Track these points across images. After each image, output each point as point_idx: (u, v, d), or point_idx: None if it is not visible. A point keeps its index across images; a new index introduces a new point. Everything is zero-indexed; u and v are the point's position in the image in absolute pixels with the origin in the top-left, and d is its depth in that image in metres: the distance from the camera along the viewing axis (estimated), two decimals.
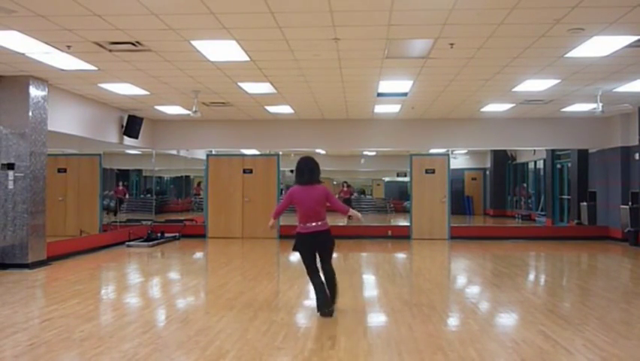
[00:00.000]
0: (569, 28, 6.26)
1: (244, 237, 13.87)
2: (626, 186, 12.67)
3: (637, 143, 11.98)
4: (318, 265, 5.88)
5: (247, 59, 7.64)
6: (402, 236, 13.81)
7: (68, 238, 11.19)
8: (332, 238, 5.90)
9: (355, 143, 14.36)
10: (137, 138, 12.65)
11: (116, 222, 13.66)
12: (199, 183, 18.52)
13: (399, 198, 24.08)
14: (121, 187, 16.13)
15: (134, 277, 8.77)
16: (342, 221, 15.62)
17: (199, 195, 17.72)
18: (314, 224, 5.73)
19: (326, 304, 5.67)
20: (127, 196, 16.98)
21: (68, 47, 7.08)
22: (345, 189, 20.71)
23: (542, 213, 17.77)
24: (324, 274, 5.85)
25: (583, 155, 14.62)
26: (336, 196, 20.97)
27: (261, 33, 6.48)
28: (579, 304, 6.63)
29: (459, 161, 21.07)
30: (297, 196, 5.77)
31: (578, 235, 13.70)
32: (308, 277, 5.87)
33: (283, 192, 13.84)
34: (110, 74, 8.69)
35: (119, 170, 16.73)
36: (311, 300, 6.81)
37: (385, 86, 9.57)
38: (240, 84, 9.45)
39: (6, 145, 8.88)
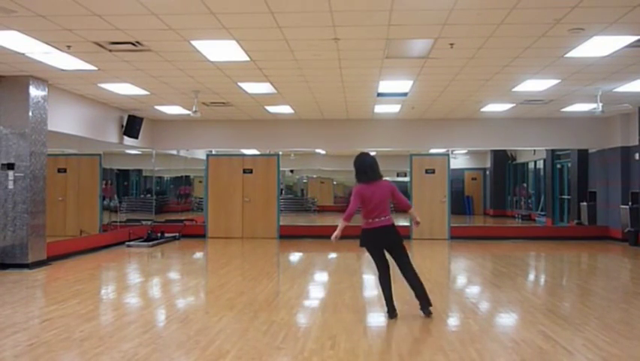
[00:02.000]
0: (569, 28, 6.26)
1: (244, 237, 13.87)
2: (626, 186, 12.67)
3: (637, 143, 11.98)
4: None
5: (247, 59, 7.64)
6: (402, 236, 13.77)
7: (68, 238, 11.19)
8: (399, 233, 5.86)
9: (355, 143, 14.34)
10: (137, 138, 12.65)
11: (116, 222, 13.66)
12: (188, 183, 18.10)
13: None
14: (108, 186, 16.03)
15: (134, 277, 8.77)
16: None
17: (187, 196, 17.05)
18: (382, 218, 5.70)
19: (393, 308, 5.68)
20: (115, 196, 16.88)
21: (68, 47, 7.08)
22: None
23: (542, 213, 17.77)
24: (405, 274, 5.83)
25: (583, 155, 14.62)
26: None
27: (261, 33, 6.48)
28: (579, 304, 6.63)
29: (459, 161, 21.07)
30: (365, 193, 5.68)
31: (578, 235, 13.70)
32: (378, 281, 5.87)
33: (283, 192, 13.81)
34: (110, 74, 8.69)
35: (119, 170, 16.72)
36: (311, 300, 6.84)
37: (385, 86, 9.57)
38: (240, 84, 9.45)
39: (6, 145, 8.88)
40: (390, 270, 5.83)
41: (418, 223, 6.06)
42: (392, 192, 5.75)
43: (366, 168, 5.76)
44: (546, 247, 12.26)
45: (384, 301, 5.77)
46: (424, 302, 5.71)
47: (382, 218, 5.68)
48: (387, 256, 5.87)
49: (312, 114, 13.01)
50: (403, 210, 5.94)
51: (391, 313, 5.67)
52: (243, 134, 14.06)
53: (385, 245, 5.80)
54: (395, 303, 5.74)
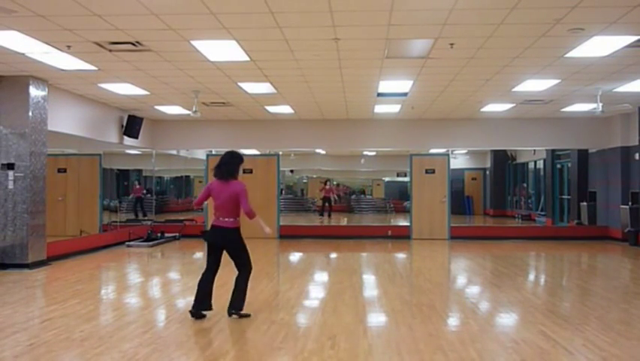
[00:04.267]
0: (569, 28, 6.26)
1: (244, 237, 13.84)
2: (626, 186, 12.68)
3: (637, 143, 11.98)
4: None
5: (247, 59, 7.64)
6: (402, 236, 13.81)
7: (68, 238, 11.19)
8: (238, 237, 5.75)
9: (355, 143, 14.37)
10: (137, 137, 12.65)
11: (116, 222, 13.67)
12: (137, 182, 17.03)
13: (399, 198, 24.08)
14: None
15: (134, 277, 8.77)
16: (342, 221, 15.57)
17: (140, 197, 16.39)
18: (223, 219, 5.64)
19: (199, 306, 5.62)
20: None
21: (68, 47, 7.08)
22: (326, 187, 20.44)
23: (542, 213, 17.78)
24: (237, 276, 5.75)
25: (583, 155, 14.62)
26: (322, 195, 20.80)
27: (261, 33, 6.48)
28: (579, 304, 6.63)
29: (459, 161, 21.08)
30: (214, 189, 5.66)
31: (578, 235, 13.70)
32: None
33: (283, 192, 13.79)
34: (110, 74, 8.69)
35: (119, 170, 16.73)
36: (311, 300, 6.84)
37: (385, 86, 9.57)
38: (240, 84, 9.45)
39: (6, 145, 8.88)
40: (214, 272, 5.72)
41: (267, 232, 5.81)
42: (238, 195, 5.54)
43: (220, 164, 5.66)
44: (546, 247, 12.27)
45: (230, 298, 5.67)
46: (235, 303, 5.60)
47: (224, 219, 5.60)
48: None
49: (312, 114, 13.01)
50: (247, 216, 5.61)
51: (195, 309, 5.59)
52: (243, 134, 14.06)
53: (220, 245, 5.69)
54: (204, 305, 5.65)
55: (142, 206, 16.11)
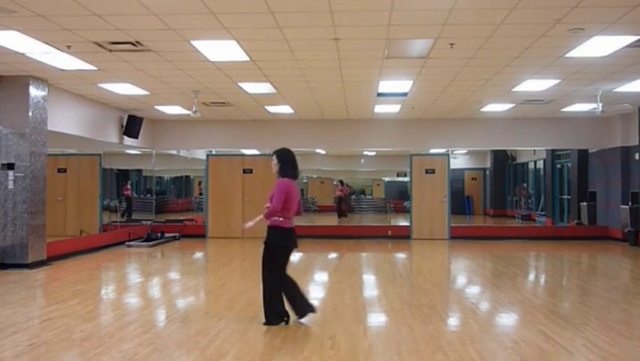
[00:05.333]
0: (569, 28, 6.26)
1: (244, 237, 13.86)
2: (626, 186, 12.67)
3: (637, 143, 11.98)
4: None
5: (247, 59, 7.64)
6: (402, 236, 13.80)
7: (68, 238, 11.19)
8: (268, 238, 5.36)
9: (355, 143, 14.37)
10: (137, 138, 12.65)
11: (116, 221, 13.67)
12: (126, 182, 16.33)
13: (399, 198, 24.05)
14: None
15: (134, 277, 8.76)
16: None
17: (128, 197, 15.89)
18: (293, 219, 5.44)
19: (305, 306, 5.41)
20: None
21: (68, 47, 7.08)
22: (341, 187, 20.60)
23: (542, 213, 17.77)
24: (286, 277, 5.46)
25: (583, 155, 14.62)
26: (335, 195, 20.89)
27: (261, 33, 6.48)
28: (579, 304, 6.63)
29: (459, 161, 21.05)
30: (292, 191, 5.39)
31: (578, 235, 13.70)
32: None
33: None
34: (110, 74, 8.69)
35: (119, 170, 16.71)
36: (311, 300, 6.81)
37: (385, 86, 9.57)
38: (240, 84, 9.45)
39: (6, 145, 8.88)
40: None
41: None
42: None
43: (295, 163, 5.43)
44: (546, 247, 12.26)
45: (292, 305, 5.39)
46: (308, 308, 5.37)
47: (292, 220, 5.37)
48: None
49: (312, 114, 13.01)
50: (269, 215, 5.32)
51: (301, 315, 5.37)
52: (243, 134, 14.06)
53: (293, 248, 5.42)
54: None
55: (129, 206, 15.82)
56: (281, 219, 5.26)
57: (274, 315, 5.30)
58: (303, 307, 5.40)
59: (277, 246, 5.30)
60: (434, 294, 6.99)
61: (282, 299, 5.34)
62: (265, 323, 5.29)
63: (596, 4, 5.52)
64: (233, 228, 13.96)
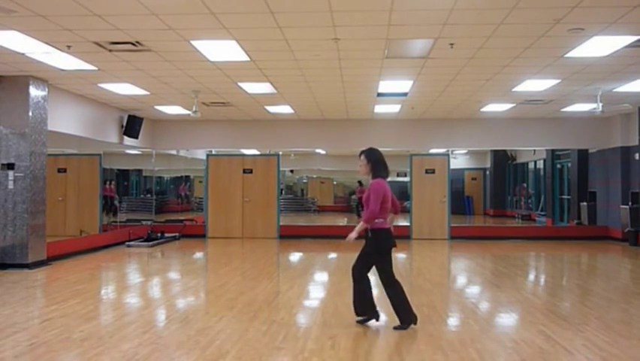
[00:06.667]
0: (569, 28, 6.26)
1: (244, 237, 13.87)
2: (626, 186, 12.67)
3: (637, 143, 11.98)
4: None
5: (247, 59, 7.64)
6: (402, 236, 13.76)
7: (68, 238, 11.19)
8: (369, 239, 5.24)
9: (355, 143, 14.30)
10: (137, 138, 12.65)
11: (116, 222, 13.67)
12: (109, 182, 15.82)
13: (399, 198, 24.02)
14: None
15: (134, 277, 8.76)
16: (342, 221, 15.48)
17: (112, 197, 15.54)
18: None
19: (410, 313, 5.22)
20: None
21: (68, 47, 7.08)
22: (361, 188, 20.70)
23: (542, 213, 17.77)
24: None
25: (583, 155, 14.62)
26: (353, 197, 20.76)
27: (261, 33, 6.48)
28: (579, 304, 6.63)
29: (459, 161, 21.07)
30: (387, 191, 5.21)
31: (578, 235, 13.70)
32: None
33: (283, 192, 13.70)
34: (110, 74, 8.69)
35: (119, 170, 16.72)
36: (311, 300, 6.84)
37: (385, 86, 9.57)
38: (240, 84, 9.45)
39: (6, 145, 8.88)
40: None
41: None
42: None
43: (385, 161, 5.26)
44: (546, 247, 12.26)
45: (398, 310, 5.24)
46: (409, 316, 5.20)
47: (386, 221, 5.26)
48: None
49: (312, 114, 13.01)
50: (369, 219, 5.21)
51: (413, 318, 5.21)
52: (243, 134, 14.06)
53: (394, 246, 5.32)
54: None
55: (112, 206, 15.50)
56: (381, 220, 5.16)
57: (410, 312, 5.16)
58: (368, 309, 5.30)
59: (385, 249, 5.23)
60: (434, 294, 6.98)
61: (405, 295, 5.23)
62: (401, 326, 5.11)
63: (596, 4, 5.52)
64: (233, 228, 13.96)
